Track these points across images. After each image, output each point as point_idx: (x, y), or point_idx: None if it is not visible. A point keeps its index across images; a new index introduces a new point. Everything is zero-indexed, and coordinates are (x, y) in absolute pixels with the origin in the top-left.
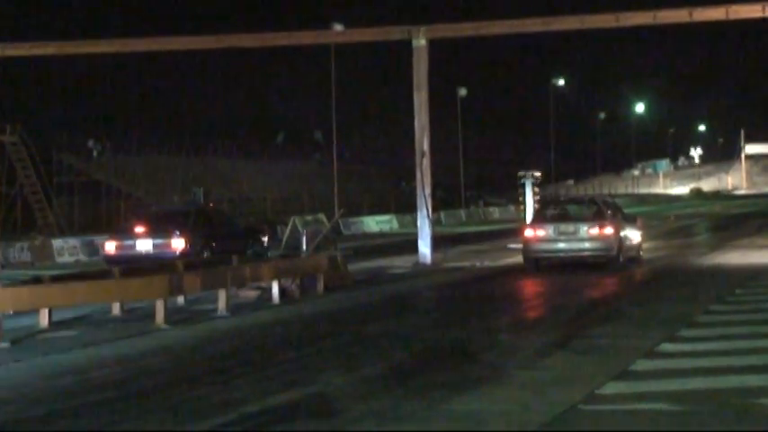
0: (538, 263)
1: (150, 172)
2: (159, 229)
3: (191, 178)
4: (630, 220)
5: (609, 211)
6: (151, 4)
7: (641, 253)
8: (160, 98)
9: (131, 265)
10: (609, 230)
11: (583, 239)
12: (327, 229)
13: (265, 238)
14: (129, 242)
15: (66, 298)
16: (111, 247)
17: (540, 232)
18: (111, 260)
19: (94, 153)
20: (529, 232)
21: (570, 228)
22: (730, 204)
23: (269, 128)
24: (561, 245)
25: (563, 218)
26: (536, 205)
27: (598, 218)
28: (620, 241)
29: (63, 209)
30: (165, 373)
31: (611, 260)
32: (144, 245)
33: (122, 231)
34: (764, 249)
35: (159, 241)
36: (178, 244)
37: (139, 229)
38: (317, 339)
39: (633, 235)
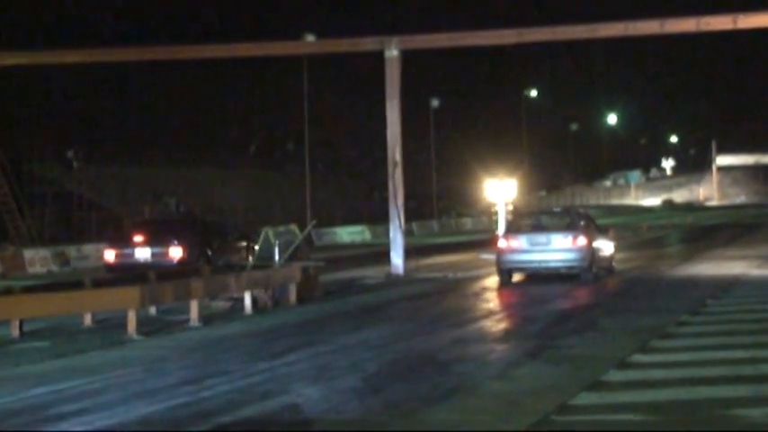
0: (511, 273)
1: (121, 183)
2: (157, 237)
3: (163, 189)
4: (603, 231)
5: (582, 222)
6: (122, 13)
7: (614, 264)
8: (131, 109)
9: (131, 273)
10: (581, 241)
11: (555, 250)
12: (300, 240)
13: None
14: (128, 251)
15: (38, 309)
16: (110, 255)
17: (513, 243)
18: (110, 268)
19: (74, 164)
20: (502, 243)
21: (543, 239)
22: (702, 216)
23: (241, 138)
24: (534, 256)
25: (536, 229)
26: (509, 216)
27: (571, 229)
28: (593, 252)
29: (34, 219)
30: (136, 383)
31: (583, 271)
32: (142, 253)
33: (121, 240)
34: (736, 260)
35: (157, 250)
36: (176, 252)
37: (138, 238)
38: (289, 350)
39: (605, 246)
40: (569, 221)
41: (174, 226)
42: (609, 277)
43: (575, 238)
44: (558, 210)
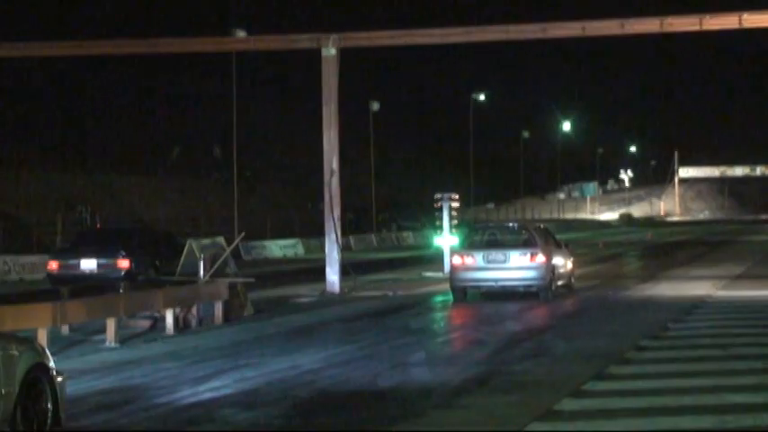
0: (465, 292)
1: (28, 189)
2: (104, 247)
3: (75, 197)
4: (561, 246)
5: (540, 238)
6: (41, 7)
7: (573, 280)
8: (40, 109)
9: (75, 285)
10: (540, 259)
11: (513, 268)
12: (227, 254)
13: None
14: (73, 261)
15: None
16: (53, 265)
17: (468, 260)
18: (54, 279)
19: None
20: (456, 260)
21: (500, 255)
22: (663, 232)
23: (163, 142)
24: (490, 273)
25: (492, 245)
26: (454, 230)
27: (529, 245)
28: (553, 269)
29: None
30: None
31: (542, 290)
32: (88, 264)
33: (65, 250)
34: (699, 280)
35: (104, 261)
36: (123, 263)
37: (83, 248)
38: (214, 374)
39: (565, 261)
40: (527, 237)
41: (122, 236)
42: (565, 298)
43: (533, 255)
44: (515, 225)
